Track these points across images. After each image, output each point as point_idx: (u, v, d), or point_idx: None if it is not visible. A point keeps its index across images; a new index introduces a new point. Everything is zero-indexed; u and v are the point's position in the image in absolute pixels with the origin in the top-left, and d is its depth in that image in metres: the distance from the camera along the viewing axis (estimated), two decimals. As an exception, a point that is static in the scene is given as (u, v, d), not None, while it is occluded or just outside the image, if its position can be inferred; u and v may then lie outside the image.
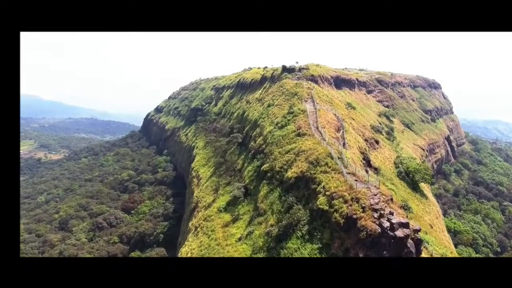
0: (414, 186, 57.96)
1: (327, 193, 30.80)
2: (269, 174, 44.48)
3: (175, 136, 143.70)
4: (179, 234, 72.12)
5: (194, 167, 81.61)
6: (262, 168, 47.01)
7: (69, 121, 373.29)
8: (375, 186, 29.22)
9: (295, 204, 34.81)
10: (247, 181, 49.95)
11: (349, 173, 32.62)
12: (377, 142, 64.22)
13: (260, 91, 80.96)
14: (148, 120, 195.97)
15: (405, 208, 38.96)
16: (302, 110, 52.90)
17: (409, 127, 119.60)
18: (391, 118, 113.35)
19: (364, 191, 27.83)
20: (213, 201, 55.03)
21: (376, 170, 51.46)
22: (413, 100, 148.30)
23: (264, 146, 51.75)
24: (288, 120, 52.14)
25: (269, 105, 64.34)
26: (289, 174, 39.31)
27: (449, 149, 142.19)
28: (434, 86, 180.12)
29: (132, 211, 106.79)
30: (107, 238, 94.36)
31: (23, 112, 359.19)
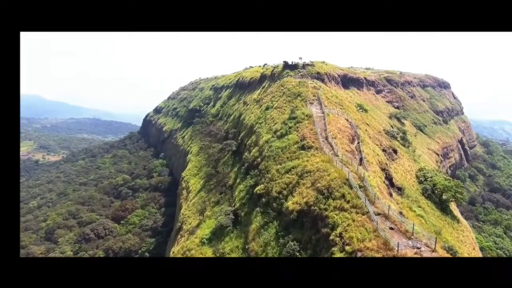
0: (442, 206, 46.29)
1: (347, 247, 19.36)
2: (264, 199, 33.09)
3: (172, 139, 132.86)
4: (164, 255, 61.19)
5: (184, 176, 70.46)
6: (255, 189, 35.62)
7: (71, 121, 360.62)
8: (425, 244, 17.74)
9: (297, 253, 23.52)
10: (238, 204, 38.61)
11: (378, 214, 21.18)
12: (395, 151, 52.49)
13: (259, 91, 69.31)
14: (147, 121, 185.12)
15: (449, 251, 27.48)
16: (306, 115, 41.29)
17: (421, 130, 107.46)
18: (402, 120, 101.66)
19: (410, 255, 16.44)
20: (198, 225, 43.79)
21: (400, 190, 39.90)
22: (424, 101, 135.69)
23: (259, 159, 40.33)
24: (290, 127, 40.59)
25: (267, 108, 52.71)
26: (290, 204, 27.91)
27: (462, 152, 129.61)
28: (444, 85, 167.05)
29: (122, 221, 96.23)
30: (93, 252, 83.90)
31: (26, 112, 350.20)
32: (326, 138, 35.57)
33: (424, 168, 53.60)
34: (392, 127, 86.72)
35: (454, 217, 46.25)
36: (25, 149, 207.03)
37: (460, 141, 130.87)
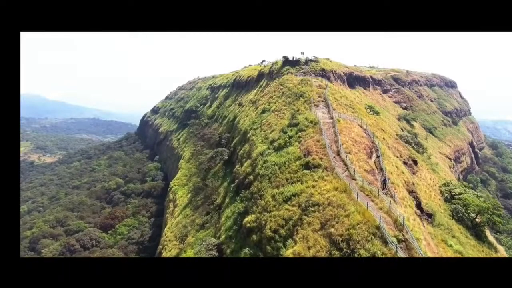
0: (475, 231, 37.08)
1: None
2: (254, 236, 23.94)
3: (167, 141, 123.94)
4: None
5: (172, 186, 61.49)
6: (245, 220, 26.44)
7: (71, 121, 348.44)
8: None
9: None
10: (223, 236, 29.44)
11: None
12: (415, 162, 43.15)
13: (255, 91, 59.89)
14: (144, 122, 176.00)
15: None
16: (311, 121, 31.89)
17: (431, 132, 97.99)
18: (411, 122, 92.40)
19: None
20: (177, 256, 34.74)
21: (430, 217, 30.69)
22: (432, 101, 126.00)
23: (251, 177, 31.09)
24: (290, 137, 31.30)
25: (263, 111, 43.37)
26: (290, 255, 18.82)
27: (473, 155, 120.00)
28: (451, 85, 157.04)
29: (110, 231, 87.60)
30: (76, 266, 75.43)
31: (27, 113, 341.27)
32: (338, 153, 26.31)
33: (450, 182, 44.18)
34: (403, 130, 77.57)
35: (491, 245, 36.96)
36: (22, 150, 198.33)
37: (471, 144, 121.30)
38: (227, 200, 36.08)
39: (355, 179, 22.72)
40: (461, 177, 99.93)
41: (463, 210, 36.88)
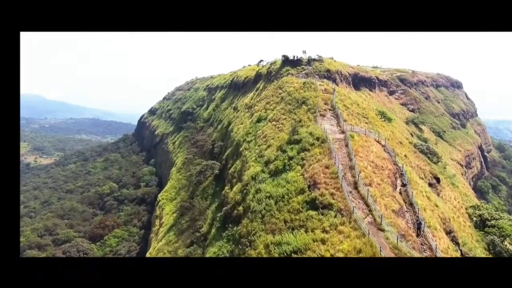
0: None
1: None
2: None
3: (163, 144, 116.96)
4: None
5: (160, 200, 54.35)
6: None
7: (70, 121, 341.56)
8: None
9: None
10: None
11: None
12: (437, 179, 35.82)
13: (252, 94, 52.53)
14: (141, 123, 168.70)
15: None
16: (317, 138, 24.54)
17: (440, 136, 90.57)
18: (420, 126, 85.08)
19: None
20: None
21: (471, 262, 23.60)
22: (438, 102, 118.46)
23: (241, 209, 23.81)
24: (290, 158, 23.95)
25: (258, 120, 36.03)
26: None
27: (482, 160, 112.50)
28: (457, 85, 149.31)
29: (98, 242, 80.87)
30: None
31: (27, 113, 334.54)
32: (355, 186, 19.01)
33: (481, 206, 36.79)
34: (412, 135, 70.26)
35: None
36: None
37: (480, 147, 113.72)
38: (213, 230, 28.89)
39: (382, 230, 15.51)
40: (471, 183, 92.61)
41: (500, 242, 29.61)
